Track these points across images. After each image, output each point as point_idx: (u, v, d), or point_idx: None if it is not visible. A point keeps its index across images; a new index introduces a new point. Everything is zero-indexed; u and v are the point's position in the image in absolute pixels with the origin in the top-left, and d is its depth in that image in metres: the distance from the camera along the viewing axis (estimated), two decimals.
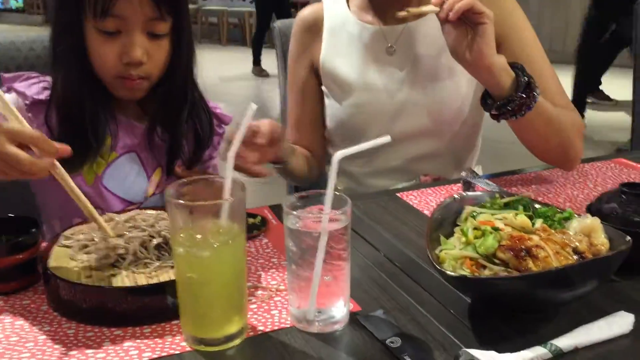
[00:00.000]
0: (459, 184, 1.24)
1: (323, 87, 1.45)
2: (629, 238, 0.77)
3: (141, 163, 1.16)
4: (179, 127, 1.16)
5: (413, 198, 1.20)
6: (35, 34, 1.37)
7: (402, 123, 1.36)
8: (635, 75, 2.01)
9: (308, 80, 1.47)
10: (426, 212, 1.13)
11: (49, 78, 1.11)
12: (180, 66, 1.13)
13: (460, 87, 1.35)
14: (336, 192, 0.76)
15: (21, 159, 0.79)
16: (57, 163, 0.84)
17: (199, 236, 0.72)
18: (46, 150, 0.81)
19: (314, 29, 1.45)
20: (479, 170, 1.44)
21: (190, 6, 9.55)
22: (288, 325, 0.79)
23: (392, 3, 1.34)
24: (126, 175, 1.15)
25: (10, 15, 11.70)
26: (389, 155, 1.41)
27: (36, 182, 1.12)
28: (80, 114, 1.07)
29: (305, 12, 1.48)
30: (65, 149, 0.83)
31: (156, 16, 1.04)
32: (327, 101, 1.45)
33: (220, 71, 7.32)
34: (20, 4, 11.91)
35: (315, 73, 1.46)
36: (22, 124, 0.83)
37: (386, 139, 0.75)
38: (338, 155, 0.74)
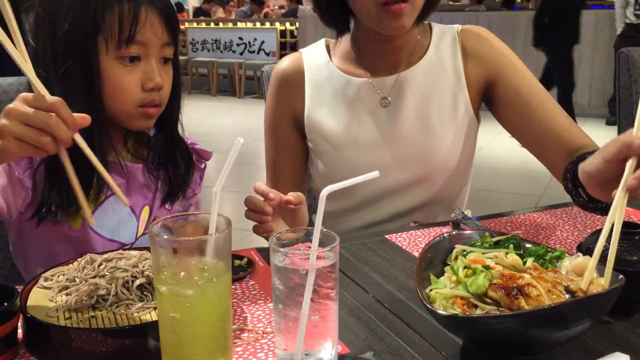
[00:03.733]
0: (448, 226, 1.23)
1: (309, 143, 1.41)
2: (621, 276, 0.76)
3: None
4: (177, 161, 1.18)
5: (402, 240, 1.19)
6: (12, 79, 1.34)
7: (395, 175, 1.35)
8: (619, 121, 2.04)
9: (289, 135, 1.41)
10: (415, 254, 1.12)
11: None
12: (178, 96, 1.16)
13: (448, 133, 1.35)
14: (324, 229, 0.74)
15: (47, 117, 0.77)
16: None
17: (182, 274, 0.70)
18: (65, 116, 0.78)
19: (295, 82, 1.39)
20: (468, 213, 1.43)
21: (181, 57, 9.74)
22: None
23: (382, 55, 1.35)
24: (115, 216, 1.13)
25: None
26: (381, 208, 1.39)
27: (24, 228, 1.10)
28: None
29: (284, 65, 1.42)
30: (85, 117, 0.81)
31: (168, 41, 1.08)
32: (314, 157, 1.41)
33: (211, 120, 7.38)
34: None
35: (297, 128, 1.41)
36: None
37: (375, 174, 0.74)
38: (326, 190, 0.73)
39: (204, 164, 1.28)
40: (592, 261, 0.76)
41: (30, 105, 0.78)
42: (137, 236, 1.16)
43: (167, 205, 1.20)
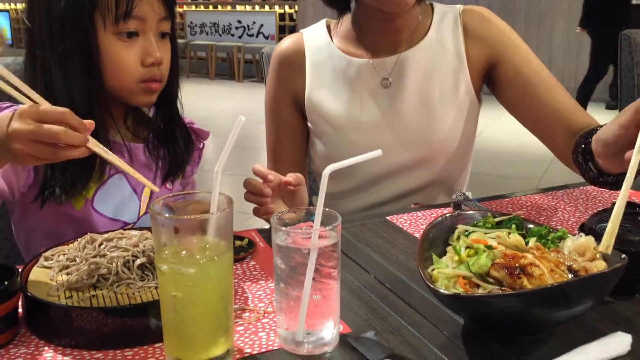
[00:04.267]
0: (449, 207, 1.23)
1: (309, 124, 1.40)
2: (624, 256, 0.75)
3: (129, 182, 1.14)
4: (177, 138, 1.18)
5: (403, 221, 1.19)
6: (10, 59, 1.32)
7: (395, 156, 1.34)
8: (620, 103, 2.03)
9: (289, 116, 1.41)
10: (416, 235, 1.12)
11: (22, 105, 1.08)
12: (176, 72, 1.15)
13: (449, 114, 1.34)
14: (326, 209, 0.74)
15: (56, 130, 0.75)
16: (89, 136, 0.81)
17: (184, 252, 0.69)
18: (76, 125, 0.77)
19: (296, 62, 1.39)
20: (469, 194, 1.43)
21: (179, 41, 9.68)
22: (276, 348, 0.76)
23: (382, 34, 1.34)
24: (118, 196, 1.13)
25: None
26: (382, 190, 1.38)
27: (27, 208, 1.09)
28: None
29: (285, 45, 1.41)
30: (91, 122, 0.80)
31: (165, 15, 1.08)
32: (314, 138, 1.41)
33: (209, 104, 7.35)
34: (8, 38, 11.97)
35: (298, 109, 1.40)
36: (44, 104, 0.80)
37: (377, 152, 0.74)
38: (329, 169, 0.72)
39: (202, 144, 1.28)
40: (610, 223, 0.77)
41: (36, 120, 0.76)
42: (139, 215, 1.16)
43: (167, 185, 1.20)
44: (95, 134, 0.83)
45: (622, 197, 0.78)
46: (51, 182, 1.03)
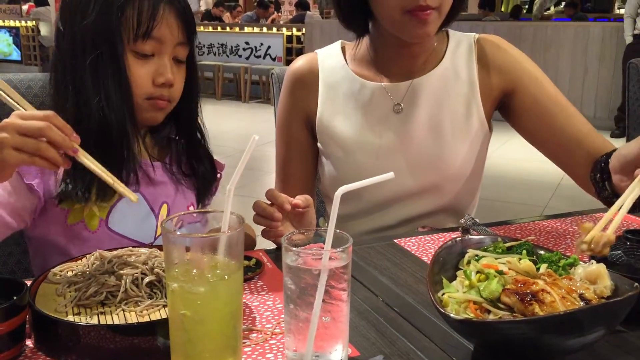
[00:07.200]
0: (458, 232, 1.22)
1: (319, 145, 1.40)
2: (637, 284, 0.75)
3: (147, 202, 1.14)
4: (201, 157, 1.21)
5: (411, 244, 1.18)
6: (32, 74, 1.35)
7: (405, 181, 1.33)
8: (627, 132, 2.03)
9: (300, 135, 1.41)
10: (424, 259, 1.11)
11: None
12: (194, 96, 1.17)
13: (459, 141, 1.33)
14: (337, 230, 0.74)
15: (40, 124, 0.80)
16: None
17: (194, 271, 0.69)
18: (60, 125, 0.82)
19: (309, 82, 1.38)
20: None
21: None
22: None
23: (398, 60, 1.34)
24: (134, 215, 1.12)
25: (8, 65, 11.86)
26: (390, 214, 1.38)
27: (39, 228, 1.09)
28: (120, 140, 1.06)
29: (298, 64, 1.41)
30: (76, 136, 0.84)
31: (182, 41, 1.10)
32: (324, 159, 1.40)
33: (215, 124, 7.38)
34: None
35: (309, 128, 1.40)
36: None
37: (389, 175, 0.74)
38: (341, 190, 0.72)
39: (219, 174, 1.28)
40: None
41: (25, 119, 0.82)
42: (156, 236, 1.15)
43: (191, 208, 1.21)
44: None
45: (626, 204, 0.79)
46: (71, 188, 1.03)
